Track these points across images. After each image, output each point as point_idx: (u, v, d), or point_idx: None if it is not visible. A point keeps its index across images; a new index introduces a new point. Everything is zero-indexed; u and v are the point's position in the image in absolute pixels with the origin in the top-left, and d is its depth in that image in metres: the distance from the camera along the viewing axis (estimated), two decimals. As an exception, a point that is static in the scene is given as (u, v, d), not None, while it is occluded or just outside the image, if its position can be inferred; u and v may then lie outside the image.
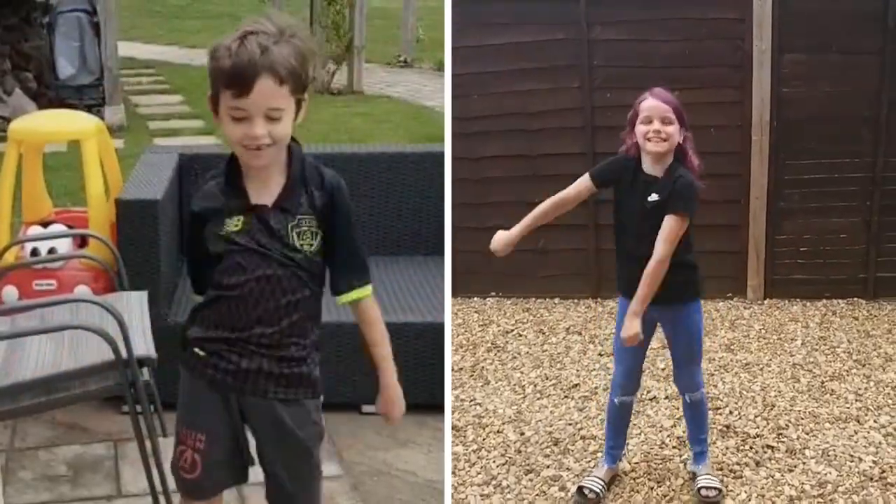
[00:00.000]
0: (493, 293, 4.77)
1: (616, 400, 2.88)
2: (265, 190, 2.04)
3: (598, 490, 2.86)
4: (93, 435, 3.39)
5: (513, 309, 4.61)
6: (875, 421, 3.36)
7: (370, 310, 2.15)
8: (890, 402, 3.52)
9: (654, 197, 2.61)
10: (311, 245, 2.05)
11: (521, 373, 3.86)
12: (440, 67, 11.32)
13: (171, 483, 2.75)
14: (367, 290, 2.13)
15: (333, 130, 7.86)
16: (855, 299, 4.59)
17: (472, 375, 3.84)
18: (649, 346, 2.86)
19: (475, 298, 4.72)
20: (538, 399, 3.60)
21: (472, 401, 3.59)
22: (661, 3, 4.66)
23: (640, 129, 2.61)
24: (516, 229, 2.76)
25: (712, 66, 4.53)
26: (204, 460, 2.17)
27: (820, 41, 4.48)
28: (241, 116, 1.94)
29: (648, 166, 2.65)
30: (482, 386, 3.73)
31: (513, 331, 4.35)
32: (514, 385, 3.74)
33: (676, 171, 2.62)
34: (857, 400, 3.53)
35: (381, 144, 6.36)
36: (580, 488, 2.87)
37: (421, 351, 3.48)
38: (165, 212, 3.52)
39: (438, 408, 3.23)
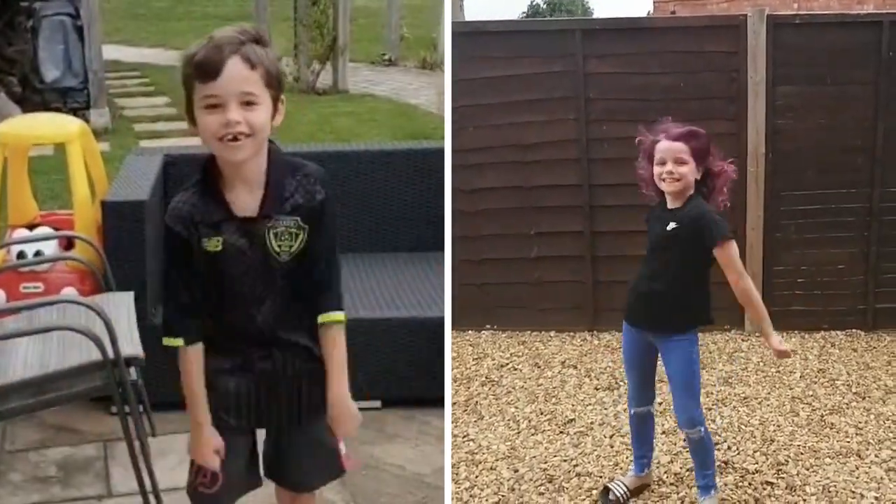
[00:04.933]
0: (488, 326, 4.72)
1: (633, 411, 3.00)
2: (249, 197, 2.01)
3: (619, 494, 2.97)
4: (82, 436, 3.38)
5: (507, 342, 4.56)
6: (876, 455, 3.30)
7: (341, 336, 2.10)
8: (891, 435, 3.46)
9: (671, 226, 2.76)
10: (291, 247, 2.02)
11: (516, 407, 3.80)
12: (425, 65, 11.32)
13: (161, 482, 2.79)
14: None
15: (319, 130, 7.81)
16: (854, 331, 4.55)
17: (465, 410, 3.78)
18: (657, 361, 2.93)
19: (469, 331, 4.67)
20: (532, 435, 3.54)
21: (465, 436, 3.53)
22: (655, 37, 4.67)
23: (655, 169, 2.77)
24: None
25: (707, 98, 4.52)
26: (224, 470, 2.12)
27: (814, 73, 4.49)
28: (214, 103, 1.91)
29: (669, 202, 2.81)
30: (476, 421, 3.68)
31: (507, 364, 4.30)
32: (509, 420, 3.68)
33: (692, 201, 2.76)
34: (857, 434, 3.48)
35: (366, 143, 6.33)
36: (605, 488, 3.01)
37: (409, 346, 3.49)
38: (151, 213, 3.50)
39: (427, 402, 3.30)
